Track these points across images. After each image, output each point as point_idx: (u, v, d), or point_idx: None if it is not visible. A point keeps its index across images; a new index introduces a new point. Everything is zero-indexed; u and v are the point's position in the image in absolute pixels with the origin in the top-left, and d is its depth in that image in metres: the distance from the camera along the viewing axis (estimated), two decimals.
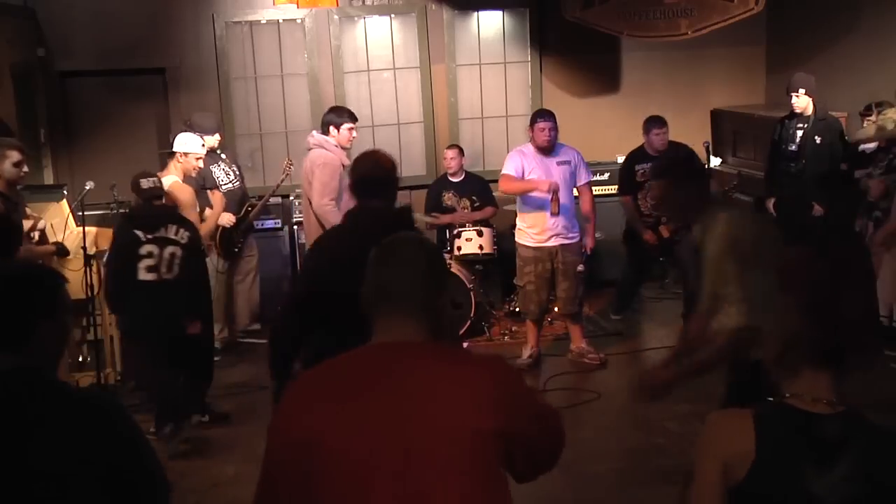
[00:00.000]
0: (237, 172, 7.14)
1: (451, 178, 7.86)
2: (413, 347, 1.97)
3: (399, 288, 1.99)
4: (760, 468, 1.89)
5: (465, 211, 7.68)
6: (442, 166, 8.36)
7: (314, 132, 6.34)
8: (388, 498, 1.81)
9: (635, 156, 7.15)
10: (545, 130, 6.24)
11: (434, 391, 1.88)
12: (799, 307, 1.92)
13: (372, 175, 3.74)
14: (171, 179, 6.02)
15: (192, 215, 5.84)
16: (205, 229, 6.32)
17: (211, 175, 6.86)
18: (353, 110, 8.48)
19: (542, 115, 6.43)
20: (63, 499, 1.96)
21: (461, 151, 7.89)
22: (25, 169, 5.45)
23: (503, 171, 6.38)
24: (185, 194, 5.99)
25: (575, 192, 6.47)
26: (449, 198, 7.76)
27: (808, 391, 1.92)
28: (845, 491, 1.86)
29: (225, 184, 6.98)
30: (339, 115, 6.29)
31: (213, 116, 7.30)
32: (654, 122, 7.04)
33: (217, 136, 7.02)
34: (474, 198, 7.75)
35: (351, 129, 6.23)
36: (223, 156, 7.14)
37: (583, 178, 6.39)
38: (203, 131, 6.78)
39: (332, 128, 6.18)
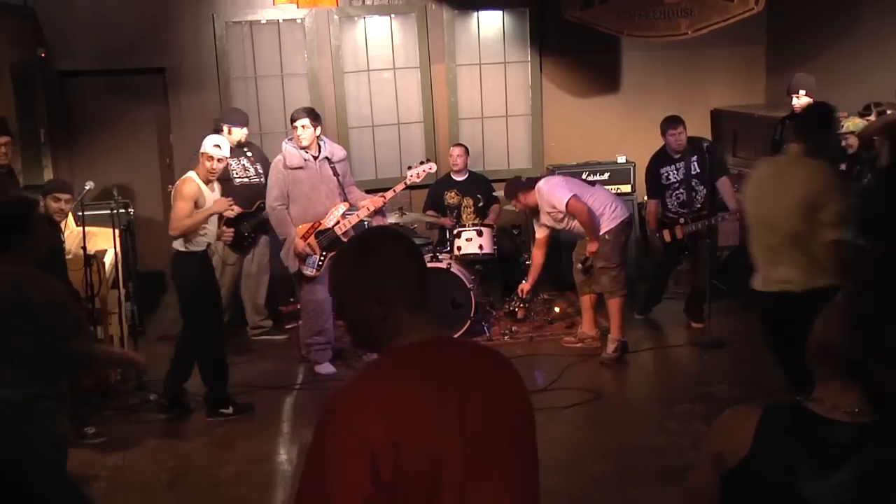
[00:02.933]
0: (258, 170, 7.09)
1: (454, 177, 7.88)
2: (450, 343, 2.00)
3: (421, 281, 1.93)
4: (751, 460, 1.92)
5: (470, 210, 7.72)
6: (444, 166, 8.38)
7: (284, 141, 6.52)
8: (466, 492, 1.81)
9: (659, 159, 7.10)
10: None
11: (494, 387, 1.91)
12: (844, 322, 1.95)
13: None
14: (183, 176, 5.82)
15: (182, 207, 5.60)
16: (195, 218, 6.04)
17: (227, 167, 6.80)
18: (353, 110, 8.62)
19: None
20: None
21: (466, 150, 7.94)
22: (2, 150, 5.54)
23: None
24: (185, 187, 5.72)
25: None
26: (452, 196, 7.77)
27: (832, 397, 1.93)
28: (838, 499, 1.84)
29: (240, 177, 6.98)
30: (292, 115, 6.36)
31: (242, 111, 7.42)
32: (669, 123, 7.01)
33: (244, 130, 7.07)
34: (478, 196, 7.77)
35: (295, 127, 6.28)
36: (248, 152, 7.16)
37: None
38: (229, 122, 6.91)
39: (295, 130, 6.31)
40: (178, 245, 5.60)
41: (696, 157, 6.98)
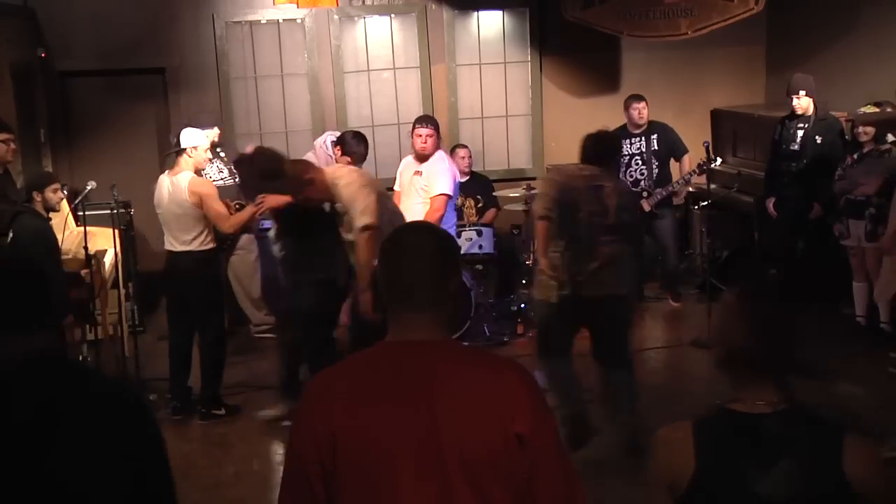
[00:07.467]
0: (232, 171, 7.03)
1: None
2: (435, 346, 1.94)
3: (411, 280, 1.95)
4: (701, 476, 1.97)
5: (471, 209, 7.74)
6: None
7: (328, 136, 6.66)
8: (412, 501, 1.81)
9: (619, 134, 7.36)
10: (420, 137, 6.50)
11: (460, 394, 1.86)
12: (744, 327, 2.05)
13: None
14: (187, 176, 5.63)
15: (219, 206, 5.62)
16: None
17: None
18: (353, 110, 8.64)
19: (419, 121, 6.66)
20: (83, 497, 1.90)
21: (470, 152, 7.96)
22: (13, 146, 5.52)
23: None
24: (208, 187, 5.72)
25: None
26: None
27: (751, 395, 2.01)
28: (790, 486, 1.90)
29: (216, 180, 6.92)
30: (357, 144, 6.32)
31: (211, 112, 7.46)
32: (634, 98, 7.62)
33: (215, 131, 7.01)
34: (479, 197, 7.78)
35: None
36: (221, 153, 7.16)
37: (433, 191, 6.43)
38: (200, 126, 6.79)
39: (338, 149, 6.35)
40: (197, 245, 5.59)
41: (656, 135, 7.52)
